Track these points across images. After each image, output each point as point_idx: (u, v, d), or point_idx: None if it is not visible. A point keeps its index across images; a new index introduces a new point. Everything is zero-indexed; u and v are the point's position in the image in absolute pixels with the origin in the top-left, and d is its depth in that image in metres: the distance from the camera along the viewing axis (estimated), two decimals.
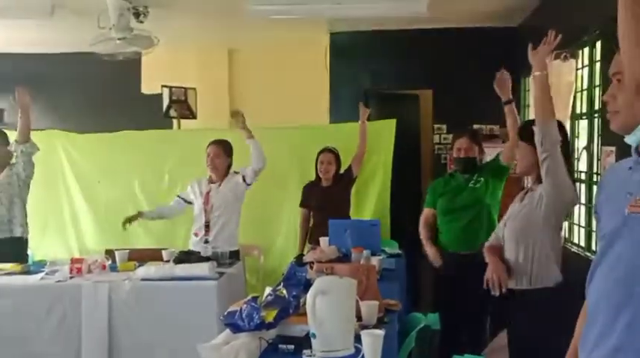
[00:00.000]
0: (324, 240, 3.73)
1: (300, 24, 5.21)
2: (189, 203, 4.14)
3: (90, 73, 6.13)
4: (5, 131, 4.14)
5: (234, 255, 3.94)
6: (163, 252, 3.70)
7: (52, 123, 5.91)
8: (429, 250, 3.64)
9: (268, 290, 2.42)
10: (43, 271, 3.47)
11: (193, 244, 3.99)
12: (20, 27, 5.17)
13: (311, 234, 4.39)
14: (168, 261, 3.58)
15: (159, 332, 3.21)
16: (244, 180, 4.05)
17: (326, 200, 4.30)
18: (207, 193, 4.02)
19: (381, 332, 1.89)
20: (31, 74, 6.41)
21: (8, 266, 3.53)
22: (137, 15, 4.29)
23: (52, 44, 5.99)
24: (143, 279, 3.30)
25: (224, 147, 4.05)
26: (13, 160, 3.97)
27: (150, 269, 3.38)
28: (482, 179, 3.56)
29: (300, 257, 3.54)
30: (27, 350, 3.20)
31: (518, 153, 2.73)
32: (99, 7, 4.10)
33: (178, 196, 4.19)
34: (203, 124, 5.97)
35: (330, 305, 1.95)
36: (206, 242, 3.92)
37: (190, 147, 4.69)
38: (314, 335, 1.96)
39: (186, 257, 3.57)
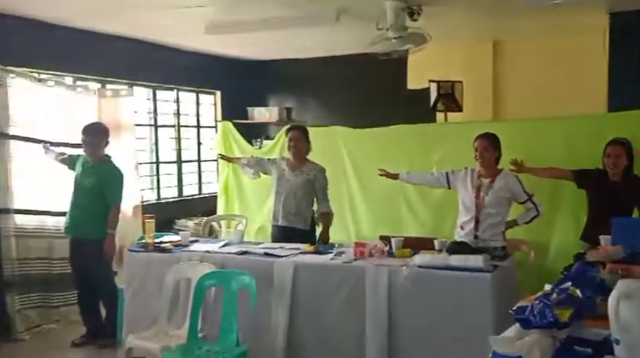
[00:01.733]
0: (605, 239, 3.45)
1: (575, 7, 4.84)
2: (449, 188, 4.17)
3: (361, 73, 6.67)
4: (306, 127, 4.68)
5: (502, 250, 3.88)
6: (435, 242, 3.74)
7: (331, 119, 6.57)
8: None
9: (548, 287, 2.35)
10: (331, 252, 3.86)
11: (458, 237, 3.98)
12: (304, 34, 5.81)
13: (584, 231, 4.12)
14: (440, 251, 3.64)
15: (434, 318, 3.32)
16: (515, 196, 3.98)
17: (611, 196, 3.95)
18: (479, 188, 3.97)
19: None
20: (311, 76, 7.25)
21: (303, 246, 4.02)
22: (411, 14, 4.46)
23: (329, 48, 6.61)
24: (419, 266, 3.43)
25: (491, 141, 3.97)
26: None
27: (425, 257, 3.49)
28: None
29: (580, 255, 3.34)
30: (322, 321, 3.58)
31: None
32: (378, 9, 4.38)
33: (447, 174, 4.15)
34: (467, 116, 6.01)
35: (637, 310, 1.82)
36: (475, 237, 3.90)
37: (457, 139, 4.73)
38: (617, 341, 1.85)
39: (458, 247, 3.61)
